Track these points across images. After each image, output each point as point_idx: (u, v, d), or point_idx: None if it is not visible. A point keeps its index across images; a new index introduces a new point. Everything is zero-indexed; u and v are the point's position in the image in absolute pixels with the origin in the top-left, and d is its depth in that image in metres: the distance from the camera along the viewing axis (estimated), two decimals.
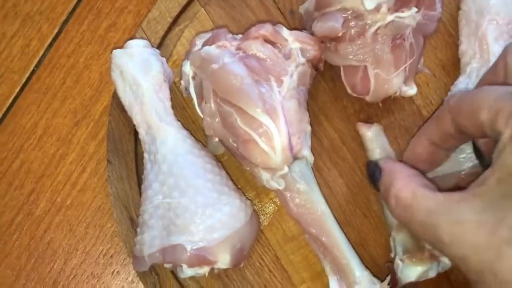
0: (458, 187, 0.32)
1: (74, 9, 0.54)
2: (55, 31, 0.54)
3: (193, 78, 0.45)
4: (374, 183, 0.37)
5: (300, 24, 0.50)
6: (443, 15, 0.49)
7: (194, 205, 0.41)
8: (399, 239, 0.43)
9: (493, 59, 0.44)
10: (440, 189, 0.33)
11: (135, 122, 0.45)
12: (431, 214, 0.31)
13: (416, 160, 0.38)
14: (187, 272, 0.42)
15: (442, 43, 0.49)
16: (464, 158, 0.43)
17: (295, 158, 0.43)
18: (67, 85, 0.53)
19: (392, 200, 0.34)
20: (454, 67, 0.49)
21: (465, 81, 0.45)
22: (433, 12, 0.44)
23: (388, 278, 0.43)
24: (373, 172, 0.37)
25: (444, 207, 0.31)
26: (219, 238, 0.41)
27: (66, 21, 0.54)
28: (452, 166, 0.42)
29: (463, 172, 0.43)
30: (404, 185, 0.34)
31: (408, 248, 0.43)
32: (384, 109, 0.49)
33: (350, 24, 0.43)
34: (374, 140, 0.46)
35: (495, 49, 0.44)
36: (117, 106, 0.48)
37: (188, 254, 0.41)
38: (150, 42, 0.49)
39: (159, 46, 0.50)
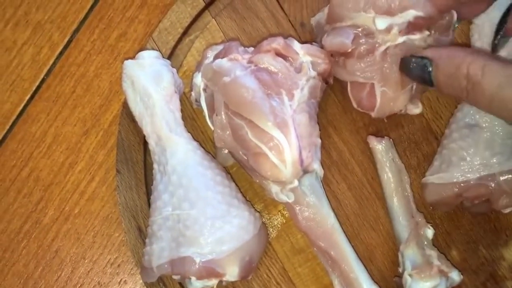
0: None
1: (85, 18, 0.54)
2: (66, 39, 0.54)
3: (204, 90, 0.45)
4: (422, 77, 0.38)
5: (310, 36, 0.50)
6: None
7: (203, 217, 0.42)
8: (407, 254, 0.43)
9: None
10: None
11: (145, 133, 0.45)
12: (502, 87, 0.32)
13: None
14: (195, 284, 0.42)
15: None
16: None
17: (305, 171, 0.43)
18: (77, 94, 0.53)
19: (463, 80, 0.35)
20: None
21: None
22: (445, 38, 0.44)
23: None
24: (421, 64, 0.38)
25: None
26: (228, 251, 0.41)
27: (77, 30, 0.54)
28: None
29: None
30: (473, 61, 0.34)
31: (417, 263, 0.43)
32: (393, 123, 0.49)
33: (360, 41, 0.43)
34: (385, 153, 0.46)
35: None
36: (127, 116, 0.49)
37: (197, 266, 0.41)
38: (160, 52, 0.50)
39: (169, 57, 0.50)
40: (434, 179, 0.44)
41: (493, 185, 0.42)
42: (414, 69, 0.40)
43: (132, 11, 0.54)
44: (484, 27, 0.46)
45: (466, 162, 0.43)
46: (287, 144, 0.41)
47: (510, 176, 0.42)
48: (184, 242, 0.41)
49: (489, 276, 0.46)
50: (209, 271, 0.41)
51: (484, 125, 0.44)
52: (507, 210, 0.44)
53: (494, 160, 0.43)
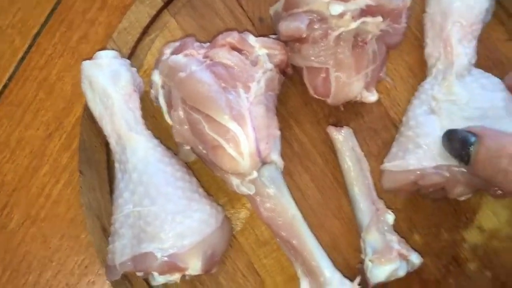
0: None
1: (46, 22, 0.54)
2: (27, 44, 0.54)
3: (162, 87, 0.45)
4: (461, 150, 0.39)
5: (269, 31, 0.50)
6: (409, 19, 0.50)
7: (164, 213, 0.42)
8: (368, 240, 0.44)
9: (457, 60, 0.45)
10: None
11: (105, 133, 0.46)
12: None
13: None
14: (158, 279, 0.42)
15: (408, 46, 0.50)
16: None
17: (264, 163, 0.43)
18: (40, 98, 0.53)
19: (505, 159, 0.35)
20: (420, 69, 0.50)
21: (432, 82, 0.46)
22: (398, 25, 0.45)
23: (358, 279, 0.43)
24: (465, 138, 0.39)
25: None
26: (189, 245, 0.42)
27: (38, 34, 0.54)
28: None
29: None
30: None
31: (378, 248, 0.43)
32: (352, 112, 0.49)
33: (315, 26, 0.44)
34: (345, 143, 0.47)
35: (460, 51, 0.45)
36: (88, 117, 0.49)
37: (159, 262, 0.41)
38: (121, 52, 0.50)
39: (130, 56, 0.51)
40: (391, 166, 0.44)
41: (447, 174, 0.42)
42: (455, 141, 0.40)
43: (92, 13, 0.54)
44: (435, 16, 0.47)
45: (422, 149, 0.43)
46: (243, 136, 0.41)
47: (464, 168, 0.41)
48: (145, 238, 0.42)
49: (451, 259, 0.47)
50: (170, 265, 0.41)
51: (440, 113, 0.44)
52: (462, 198, 0.44)
53: None
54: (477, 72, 0.45)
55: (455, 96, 0.43)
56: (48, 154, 0.52)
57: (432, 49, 0.47)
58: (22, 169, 0.52)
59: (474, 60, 0.45)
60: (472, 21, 0.45)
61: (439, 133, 0.43)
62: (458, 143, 0.40)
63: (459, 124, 0.43)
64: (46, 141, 0.52)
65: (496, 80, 0.44)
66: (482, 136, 0.38)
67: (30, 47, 0.54)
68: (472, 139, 0.39)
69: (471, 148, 0.39)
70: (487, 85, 0.44)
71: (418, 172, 0.43)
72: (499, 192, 0.41)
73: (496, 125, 0.41)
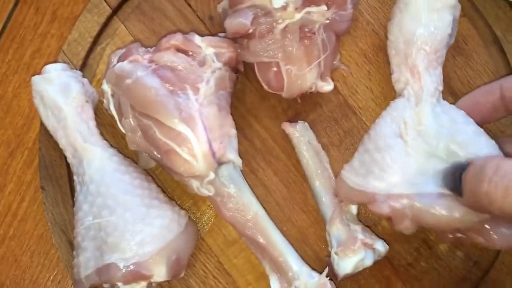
0: None
1: None
2: None
3: (112, 95, 0.45)
4: (455, 180, 0.37)
5: (220, 29, 0.50)
6: (360, 4, 0.50)
7: (123, 222, 0.41)
8: (333, 232, 0.44)
9: (425, 89, 0.43)
10: None
11: (61, 146, 0.45)
12: None
13: (474, 109, 0.41)
14: None
15: (361, 31, 0.49)
16: None
17: (220, 163, 0.43)
18: None
19: (490, 171, 0.33)
20: (375, 54, 0.49)
21: (405, 104, 0.43)
22: (344, 12, 0.44)
23: (326, 270, 0.43)
24: (457, 167, 0.38)
25: None
26: (151, 252, 0.41)
27: None
28: None
29: None
30: (505, 159, 0.34)
31: (342, 240, 0.43)
32: (311, 103, 0.49)
33: (260, 20, 0.43)
34: (301, 137, 0.47)
35: (426, 79, 0.43)
36: (45, 132, 0.48)
37: (123, 272, 0.41)
38: (72, 64, 0.50)
39: (82, 67, 0.50)
40: (349, 180, 0.42)
41: (398, 206, 0.40)
42: (447, 173, 0.39)
43: (43, 26, 0.54)
44: (398, 43, 0.44)
45: (385, 175, 0.41)
46: (194, 138, 0.41)
47: (416, 203, 0.40)
48: (107, 249, 0.41)
49: (421, 242, 0.47)
50: (134, 274, 0.41)
51: (408, 140, 0.41)
52: (407, 232, 0.42)
53: (412, 180, 0.41)
54: (446, 103, 0.44)
55: (424, 127, 0.41)
56: (11, 172, 0.52)
57: (398, 75, 0.44)
58: None
59: (441, 87, 0.43)
60: (436, 47, 0.43)
61: (403, 159, 0.41)
62: (450, 173, 0.39)
63: (419, 157, 0.41)
64: (8, 160, 0.52)
65: (462, 112, 0.43)
66: (469, 164, 0.37)
67: None
68: (462, 166, 0.37)
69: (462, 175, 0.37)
70: (457, 118, 0.42)
71: (371, 197, 0.41)
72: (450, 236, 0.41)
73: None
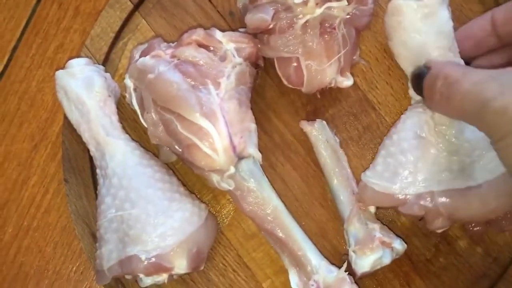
0: None
1: (21, 35, 0.55)
2: (6, 58, 0.55)
3: (135, 90, 0.45)
4: (419, 83, 0.39)
5: (241, 24, 0.50)
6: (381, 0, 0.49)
7: (145, 215, 0.42)
8: (350, 231, 0.44)
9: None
10: None
11: (84, 140, 0.46)
12: (480, 82, 0.33)
13: (468, 38, 0.41)
14: (146, 281, 0.43)
15: (381, 26, 0.49)
16: None
17: (240, 157, 0.43)
18: (22, 110, 0.53)
19: (440, 81, 0.36)
20: None
21: (424, 106, 0.42)
22: (364, 6, 0.44)
23: (345, 265, 0.43)
24: (420, 70, 0.39)
25: (494, 75, 0.33)
26: (173, 244, 0.42)
27: (15, 48, 0.55)
28: None
29: None
30: (456, 67, 0.37)
31: (359, 239, 0.43)
32: (331, 99, 0.49)
33: (280, 16, 0.43)
34: (319, 136, 0.47)
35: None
36: (69, 125, 0.49)
37: (144, 264, 0.41)
38: (95, 59, 0.50)
39: (104, 62, 0.51)
40: (375, 185, 0.42)
41: (430, 205, 0.40)
42: (412, 76, 0.41)
43: (66, 21, 0.55)
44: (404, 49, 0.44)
45: (410, 175, 0.41)
46: (216, 133, 0.41)
47: (448, 199, 0.40)
48: (129, 241, 0.42)
49: (440, 238, 0.47)
50: (156, 266, 0.42)
51: (431, 139, 0.41)
52: (439, 230, 0.43)
53: (439, 178, 0.41)
54: None
55: (447, 126, 0.41)
56: (35, 165, 0.53)
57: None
58: (11, 182, 0.53)
59: None
60: (447, 45, 0.42)
61: (429, 158, 0.41)
62: (414, 76, 0.41)
63: (444, 155, 0.41)
64: (32, 153, 0.53)
65: None
66: (430, 68, 0.39)
67: (8, 61, 0.55)
68: (424, 70, 0.39)
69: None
70: None
71: (401, 198, 0.41)
72: (477, 228, 0.42)
73: (482, 161, 0.40)
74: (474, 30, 0.43)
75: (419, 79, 0.39)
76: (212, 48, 0.44)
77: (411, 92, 0.43)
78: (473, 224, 0.43)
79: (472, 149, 0.40)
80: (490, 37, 0.43)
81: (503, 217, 0.41)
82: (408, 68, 0.43)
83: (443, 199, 0.40)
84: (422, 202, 0.40)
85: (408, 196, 0.41)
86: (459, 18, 0.47)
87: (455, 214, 0.40)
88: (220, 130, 0.41)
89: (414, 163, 0.41)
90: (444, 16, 0.42)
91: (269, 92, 0.50)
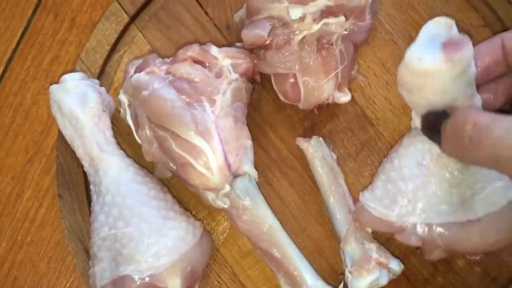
0: None
1: (17, 46, 0.54)
2: (0, 70, 0.54)
3: (129, 106, 0.45)
4: (433, 127, 0.37)
5: (237, 37, 0.49)
6: (379, 13, 0.49)
7: (138, 234, 0.42)
8: (347, 251, 0.43)
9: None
10: None
11: (78, 155, 0.46)
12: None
13: (476, 64, 0.37)
14: None
15: (379, 41, 0.49)
16: None
17: (236, 175, 0.43)
18: (17, 123, 0.53)
19: (469, 126, 0.33)
20: (393, 64, 0.48)
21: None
22: (362, 22, 0.43)
23: (341, 286, 0.42)
24: (438, 114, 0.36)
25: None
26: (166, 264, 0.41)
27: (10, 59, 0.54)
28: None
29: None
30: (483, 112, 0.34)
31: (356, 259, 0.42)
32: (328, 114, 0.48)
33: (277, 32, 0.43)
34: (315, 153, 0.46)
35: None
36: (63, 139, 0.48)
37: (137, 284, 0.41)
38: (90, 72, 0.50)
39: (100, 75, 0.50)
40: (372, 209, 0.41)
41: (427, 237, 0.40)
42: (428, 119, 0.38)
43: (61, 33, 0.54)
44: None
45: (410, 204, 0.40)
46: (210, 151, 0.41)
47: (447, 232, 0.39)
48: (122, 261, 0.42)
49: None
50: (149, 287, 0.41)
51: (434, 169, 0.40)
52: (435, 260, 0.42)
53: (439, 209, 0.40)
54: None
55: (449, 159, 0.40)
56: (29, 178, 0.52)
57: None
58: (5, 196, 0.52)
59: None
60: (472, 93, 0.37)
61: (429, 189, 0.40)
62: (431, 119, 0.37)
63: (445, 186, 0.40)
64: (26, 166, 0.52)
65: None
66: (452, 112, 0.36)
67: (3, 73, 0.54)
68: (442, 116, 0.36)
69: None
70: None
71: (399, 227, 0.41)
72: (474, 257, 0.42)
73: (483, 194, 0.40)
74: (483, 57, 0.40)
75: (436, 123, 0.36)
76: (207, 64, 0.44)
77: (414, 123, 0.41)
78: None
79: (474, 182, 0.39)
80: (499, 64, 0.41)
81: (502, 249, 0.40)
82: (418, 109, 0.39)
83: (442, 231, 0.39)
84: (419, 233, 0.40)
85: (406, 225, 0.40)
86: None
87: (453, 247, 0.39)
88: (215, 149, 0.41)
89: (414, 192, 0.40)
90: (473, 69, 0.36)
91: (266, 107, 0.49)
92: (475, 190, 0.39)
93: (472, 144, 0.33)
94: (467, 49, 0.34)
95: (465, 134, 0.34)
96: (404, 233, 0.40)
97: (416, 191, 0.40)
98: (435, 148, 0.40)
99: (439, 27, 0.35)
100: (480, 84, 0.40)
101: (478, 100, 0.38)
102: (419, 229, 0.40)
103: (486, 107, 0.39)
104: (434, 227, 0.40)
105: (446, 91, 0.35)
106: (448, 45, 0.34)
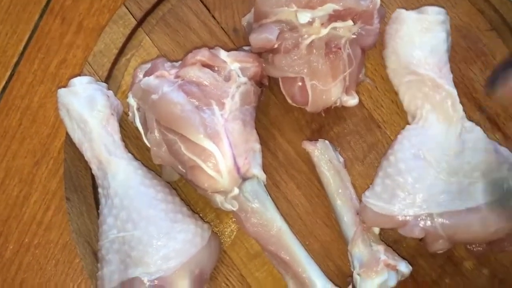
0: None
1: (24, 50, 0.54)
2: (8, 73, 0.54)
3: (138, 109, 0.45)
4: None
5: (245, 41, 0.50)
6: (386, 17, 0.49)
7: (147, 236, 0.42)
8: (354, 253, 0.43)
9: (439, 111, 0.43)
10: None
11: (86, 158, 0.46)
12: None
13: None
14: None
15: None
16: None
17: (245, 178, 0.43)
18: (24, 126, 0.53)
19: None
20: None
21: (420, 127, 0.44)
22: (370, 26, 0.44)
23: (350, 287, 0.42)
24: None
25: None
26: (175, 266, 0.41)
27: (17, 63, 0.54)
28: None
29: None
30: None
31: (364, 261, 0.43)
32: (335, 117, 0.49)
33: (285, 36, 0.43)
34: (321, 156, 0.46)
35: (436, 100, 0.43)
36: (70, 142, 0.49)
37: (147, 286, 0.41)
38: (97, 75, 0.50)
39: (107, 78, 0.51)
40: (374, 206, 0.42)
41: (430, 227, 0.40)
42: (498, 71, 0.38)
43: (69, 37, 0.54)
44: (400, 69, 0.45)
45: (409, 197, 0.41)
46: (220, 154, 0.41)
47: (448, 221, 0.40)
48: (131, 263, 0.42)
49: (446, 259, 0.46)
50: None
51: (430, 160, 0.42)
52: (439, 251, 0.43)
53: (438, 199, 0.41)
54: (470, 125, 0.43)
55: (447, 148, 0.41)
56: (37, 181, 0.52)
57: (408, 103, 0.45)
58: (12, 198, 0.52)
59: (458, 106, 0.43)
60: (438, 66, 0.43)
61: (427, 180, 0.41)
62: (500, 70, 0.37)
63: (443, 176, 0.41)
64: (34, 169, 0.53)
65: (487, 140, 0.42)
66: None
67: (11, 76, 0.54)
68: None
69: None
70: (478, 143, 0.42)
71: (401, 221, 0.41)
72: (478, 248, 0.42)
73: (481, 182, 0.41)
74: None
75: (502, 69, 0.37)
76: (216, 68, 0.44)
77: (409, 111, 0.44)
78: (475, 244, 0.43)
79: (471, 171, 0.40)
80: None
81: (504, 238, 0.41)
82: (395, 82, 0.45)
83: (443, 221, 0.40)
84: (422, 224, 0.41)
85: (407, 218, 0.41)
86: (466, 36, 0.47)
87: (455, 236, 0.40)
88: (224, 152, 0.41)
89: (412, 185, 0.41)
90: (440, 37, 0.43)
91: (273, 110, 0.49)
92: (473, 179, 0.40)
93: None
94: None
95: None
96: (407, 226, 0.41)
97: (414, 183, 0.41)
98: (432, 139, 0.41)
99: None
100: None
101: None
102: (421, 221, 0.41)
103: None
104: (435, 217, 0.40)
105: (411, 41, 0.43)
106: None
